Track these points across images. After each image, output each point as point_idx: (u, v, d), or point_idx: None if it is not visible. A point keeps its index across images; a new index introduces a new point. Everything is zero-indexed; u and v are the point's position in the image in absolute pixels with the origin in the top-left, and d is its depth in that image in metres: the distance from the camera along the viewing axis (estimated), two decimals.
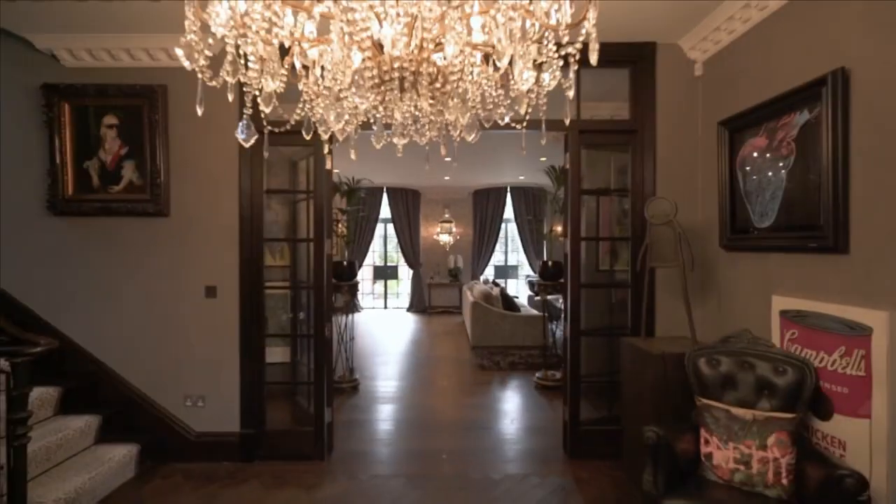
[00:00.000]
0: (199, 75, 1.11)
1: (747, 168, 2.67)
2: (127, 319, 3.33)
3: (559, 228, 7.09)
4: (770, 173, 2.49)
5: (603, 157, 3.97)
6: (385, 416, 4.27)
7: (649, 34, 3.17)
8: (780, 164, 2.41)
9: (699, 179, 3.22)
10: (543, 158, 7.53)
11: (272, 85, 1.11)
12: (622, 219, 4.19)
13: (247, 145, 1.29)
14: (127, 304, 3.33)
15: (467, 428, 3.95)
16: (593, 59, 1.09)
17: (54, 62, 3.23)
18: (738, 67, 2.83)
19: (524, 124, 1.48)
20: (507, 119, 1.32)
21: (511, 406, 4.58)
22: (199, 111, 1.12)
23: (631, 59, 3.28)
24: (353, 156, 1.48)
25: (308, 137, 1.57)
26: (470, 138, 1.27)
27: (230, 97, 1.21)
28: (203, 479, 3.11)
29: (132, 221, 3.31)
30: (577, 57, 1.17)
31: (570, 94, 1.23)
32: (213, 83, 1.15)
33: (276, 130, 1.66)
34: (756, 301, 2.64)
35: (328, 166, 3.39)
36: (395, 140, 1.35)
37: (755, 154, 2.61)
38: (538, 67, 1.27)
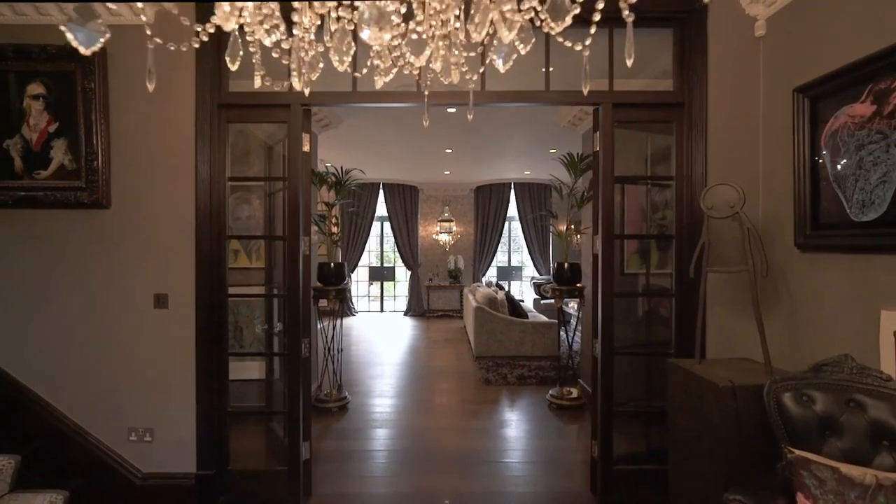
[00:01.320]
0: None
1: (840, 145, 2.07)
2: (56, 334, 2.71)
3: (572, 226, 6.46)
4: (878, 150, 1.88)
5: (633, 139, 3.37)
6: (376, 446, 3.66)
7: None
8: None
9: (760, 162, 2.62)
10: (553, 150, 6.93)
11: None
12: (651, 214, 3.60)
13: (86, 51, 0.68)
14: (56, 315, 2.71)
15: (473, 462, 3.33)
16: None
17: None
18: (819, 20, 2.22)
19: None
20: (575, 13, 0.71)
21: (523, 432, 3.96)
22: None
23: (676, 16, 2.68)
24: (303, 89, 0.88)
25: (234, 67, 0.96)
26: (514, 38, 0.66)
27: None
28: None
29: (63, 214, 2.70)
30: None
31: None
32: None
33: (172, 46, 1.05)
34: (852, 317, 2.04)
35: (305, 148, 2.78)
36: (371, 41, 0.75)
37: (854, 126, 2.00)
38: None
